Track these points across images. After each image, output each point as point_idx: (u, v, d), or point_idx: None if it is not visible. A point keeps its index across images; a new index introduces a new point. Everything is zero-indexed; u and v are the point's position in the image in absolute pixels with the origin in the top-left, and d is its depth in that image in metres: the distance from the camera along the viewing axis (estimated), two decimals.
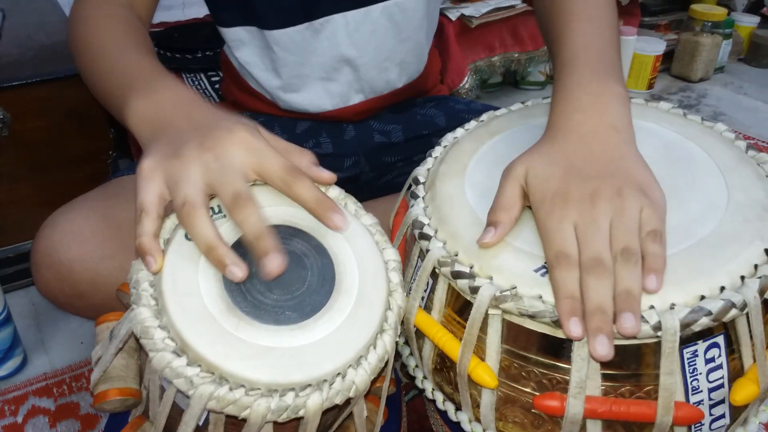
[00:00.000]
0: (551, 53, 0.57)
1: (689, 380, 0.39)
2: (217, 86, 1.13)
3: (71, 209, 0.61)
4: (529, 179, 0.44)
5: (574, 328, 0.37)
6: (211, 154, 0.42)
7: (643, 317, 0.37)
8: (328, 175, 0.47)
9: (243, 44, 0.78)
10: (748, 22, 1.83)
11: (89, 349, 0.78)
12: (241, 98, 0.86)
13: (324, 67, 0.77)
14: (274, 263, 0.39)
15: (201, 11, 1.45)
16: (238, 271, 0.38)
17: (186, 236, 0.41)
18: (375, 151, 0.85)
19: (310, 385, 0.37)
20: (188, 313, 0.37)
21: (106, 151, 0.86)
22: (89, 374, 0.74)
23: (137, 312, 0.37)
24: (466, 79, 1.28)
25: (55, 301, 0.62)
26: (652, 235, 0.39)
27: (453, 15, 1.26)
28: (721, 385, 0.40)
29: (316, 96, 0.80)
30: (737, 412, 0.42)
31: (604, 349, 0.36)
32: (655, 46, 1.58)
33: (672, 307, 0.38)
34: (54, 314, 0.83)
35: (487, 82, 1.42)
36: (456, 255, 0.44)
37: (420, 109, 0.87)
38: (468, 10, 1.26)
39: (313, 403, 0.36)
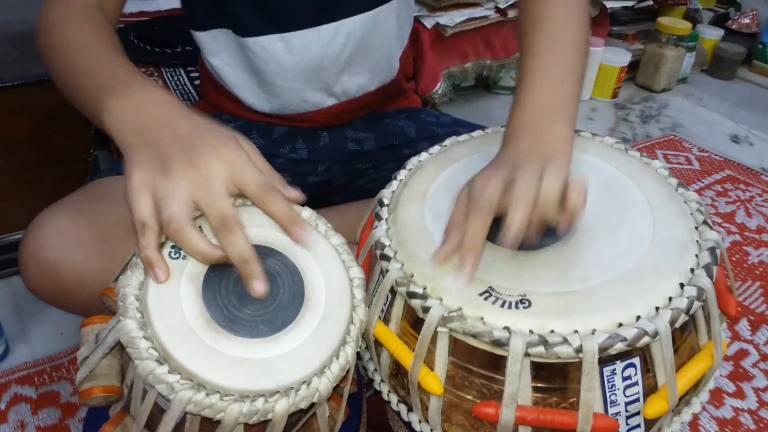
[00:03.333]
0: (519, 60, 0.60)
1: (608, 395, 0.45)
2: (196, 82, 1.16)
3: (58, 210, 0.64)
4: (469, 191, 0.50)
5: None
6: (197, 171, 0.44)
7: (566, 340, 0.43)
8: (295, 193, 0.50)
9: (218, 48, 0.80)
10: (713, 35, 1.90)
11: (68, 340, 0.82)
12: (218, 101, 0.89)
13: (297, 73, 0.80)
14: (259, 288, 0.44)
15: (176, 2, 1.46)
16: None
17: (170, 254, 0.45)
18: (348, 158, 0.89)
19: (278, 392, 0.42)
20: (170, 326, 0.42)
21: (87, 149, 0.88)
22: (69, 364, 0.78)
23: (124, 324, 0.42)
24: (439, 84, 1.33)
25: (42, 297, 0.65)
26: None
27: (428, 23, 1.30)
28: (637, 400, 0.47)
29: (289, 100, 0.83)
30: (651, 424, 0.49)
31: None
32: (620, 57, 1.64)
33: (593, 332, 0.44)
34: (34, 305, 0.86)
35: (460, 86, 1.47)
36: (412, 276, 0.49)
37: (392, 119, 0.92)
38: (443, 19, 1.31)
39: (281, 407, 0.41)
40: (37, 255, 0.62)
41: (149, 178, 0.45)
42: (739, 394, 0.82)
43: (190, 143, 0.46)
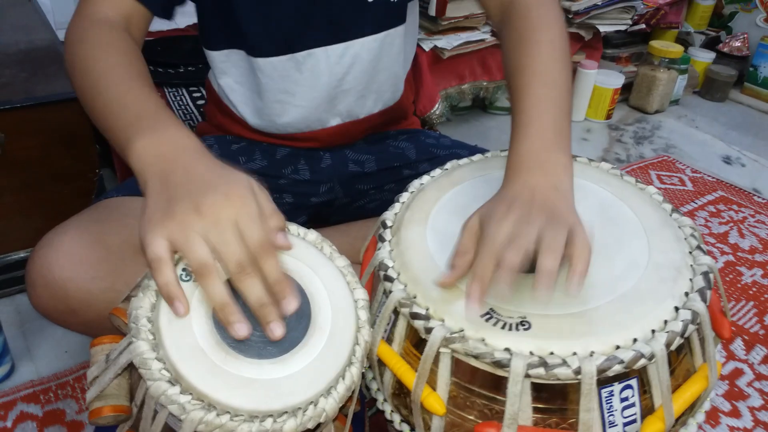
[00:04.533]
0: (512, 104, 0.63)
1: (606, 416, 0.47)
2: (199, 102, 1.17)
3: (66, 230, 0.65)
4: (481, 223, 0.51)
5: None
6: (210, 219, 0.45)
7: (565, 362, 0.44)
8: (286, 243, 0.50)
9: (229, 67, 0.83)
10: (704, 58, 1.94)
11: (74, 358, 0.82)
12: (222, 121, 0.91)
13: (304, 93, 0.82)
14: (278, 332, 0.45)
15: (183, 21, 1.49)
16: (243, 328, 0.44)
17: (181, 277, 0.46)
18: (349, 178, 0.90)
19: (286, 412, 0.43)
20: (182, 347, 0.43)
21: (92, 168, 0.90)
22: (74, 382, 0.79)
23: (136, 345, 0.43)
24: (437, 105, 1.36)
25: (48, 316, 0.66)
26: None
27: (426, 46, 1.33)
28: (635, 420, 0.48)
29: (295, 119, 0.84)
30: None
31: None
32: (613, 79, 1.67)
33: (591, 354, 0.45)
34: (39, 323, 0.86)
35: (457, 106, 1.50)
36: (415, 297, 0.51)
37: (393, 141, 0.94)
38: (441, 42, 1.34)
39: (289, 427, 0.42)
40: (44, 275, 0.63)
41: (160, 222, 0.46)
42: (735, 413, 0.83)
43: (204, 191, 0.47)
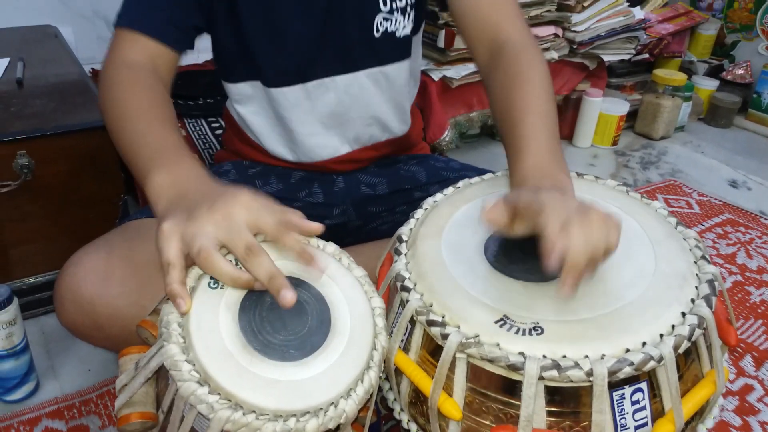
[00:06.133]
0: (505, 136, 0.68)
1: (618, 418, 0.48)
2: (217, 132, 1.22)
3: (94, 249, 0.68)
4: (542, 203, 0.51)
5: None
6: (220, 214, 0.49)
7: (577, 364, 0.46)
8: (316, 225, 0.54)
9: (247, 99, 0.87)
10: (708, 85, 1.98)
11: (96, 376, 0.85)
12: (240, 148, 0.95)
13: (315, 118, 0.86)
14: (288, 296, 0.47)
15: (201, 57, 1.54)
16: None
17: (209, 285, 0.49)
18: (362, 201, 0.93)
19: (308, 412, 0.45)
20: (210, 349, 0.45)
21: (117, 193, 0.93)
22: (97, 399, 0.81)
23: (168, 348, 0.45)
24: (446, 132, 1.39)
25: (75, 332, 0.69)
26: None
27: (436, 76, 1.37)
28: (646, 424, 0.49)
29: (308, 147, 0.88)
30: None
31: None
32: (619, 107, 1.71)
33: (602, 357, 0.47)
34: (63, 343, 0.89)
35: (465, 134, 1.53)
36: (431, 306, 0.53)
37: (403, 165, 0.97)
38: (449, 72, 1.38)
39: (311, 427, 0.44)
40: (73, 291, 0.66)
41: (176, 225, 0.49)
42: (746, 428, 0.84)
43: (213, 197, 0.51)
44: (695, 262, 0.55)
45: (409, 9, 0.83)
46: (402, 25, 0.83)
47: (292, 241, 0.51)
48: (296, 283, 0.51)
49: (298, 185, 0.92)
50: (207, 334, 0.46)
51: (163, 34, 0.72)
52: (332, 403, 0.46)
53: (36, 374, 0.82)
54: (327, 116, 0.86)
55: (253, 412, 0.44)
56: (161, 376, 0.50)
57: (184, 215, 0.50)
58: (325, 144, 0.89)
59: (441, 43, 1.37)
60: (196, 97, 1.27)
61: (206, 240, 0.48)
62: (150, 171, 0.57)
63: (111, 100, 0.68)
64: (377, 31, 0.82)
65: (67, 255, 0.69)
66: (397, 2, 0.81)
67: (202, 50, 0.82)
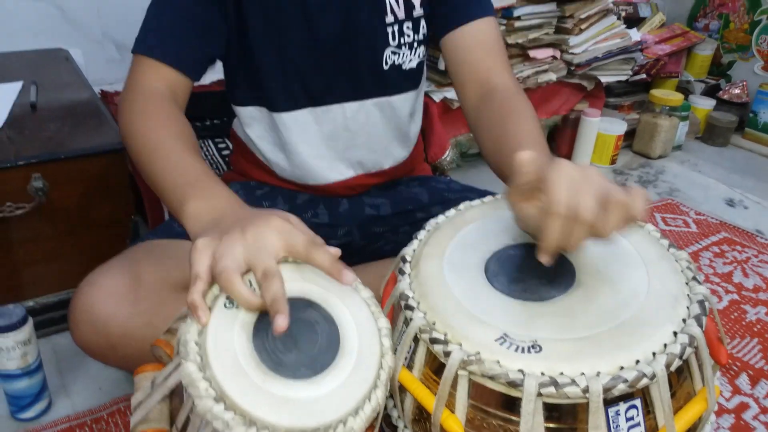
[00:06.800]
0: (502, 164, 0.72)
1: None
2: (224, 152, 1.25)
3: (108, 270, 0.71)
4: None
5: None
6: (251, 236, 0.52)
7: (574, 381, 0.48)
8: (335, 250, 0.56)
9: (254, 121, 0.90)
10: (705, 105, 2.01)
11: (108, 395, 0.87)
12: (247, 169, 0.97)
13: (320, 143, 0.89)
14: (278, 322, 0.48)
15: (207, 78, 1.58)
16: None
17: (225, 305, 0.51)
18: (366, 222, 0.96)
19: (318, 429, 0.47)
20: (226, 368, 0.47)
21: (127, 214, 0.96)
22: (108, 417, 0.83)
23: (186, 366, 0.47)
24: (447, 152, 1.43)
25: (89, 351, 0.71)
26: None
27: (437, 97, 1.41)
28: None
29: (314, 171, 0.91)
30: None
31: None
32: (616, 126, 1.74)
33: (598, 374, 0.49)
34: (74, 362, 0.91)
35: (467, 153, 1.56)
36: (434, 324, 0.55)
37: (406, 187, 1.00)
38: (450, 93, 1.42)
39: None
40: (88, 311, 0.68)
41: (210, 243, 0.52)
42: None
43: (247, 221, 0.54)
44: (686, 283, 0.58)
45: (416, 45, 0.87)
46: (408, 59, 0.87)
47: (322, 256, 0.54)
48: (307, 304, 0.54)
49: (304, 206, 0.95)
50: (223, 352, 0.48)
51: (182, 63, 0.75)
52: (341, 421, 0.48)
53: (49, 393, 0.84)
54: (332, 138, 0.89)
55: (266, 428, 0.46)
56: (176, 393, 0.52)
57: (218, 235, 0.53)
58: (330, 168, 0.91)
59: (442, 66, 1.40)
60: (203, 118, 1.29)
61: (231, 262, 0.50)
62: (188, 199, 0.60)
63: (137, 131, 0.70)
64: (386, 63, 0.86)
65: (78, 275, 0.71)
66: (405, 38, 0.85)
67: (207, 72, 0.84)
